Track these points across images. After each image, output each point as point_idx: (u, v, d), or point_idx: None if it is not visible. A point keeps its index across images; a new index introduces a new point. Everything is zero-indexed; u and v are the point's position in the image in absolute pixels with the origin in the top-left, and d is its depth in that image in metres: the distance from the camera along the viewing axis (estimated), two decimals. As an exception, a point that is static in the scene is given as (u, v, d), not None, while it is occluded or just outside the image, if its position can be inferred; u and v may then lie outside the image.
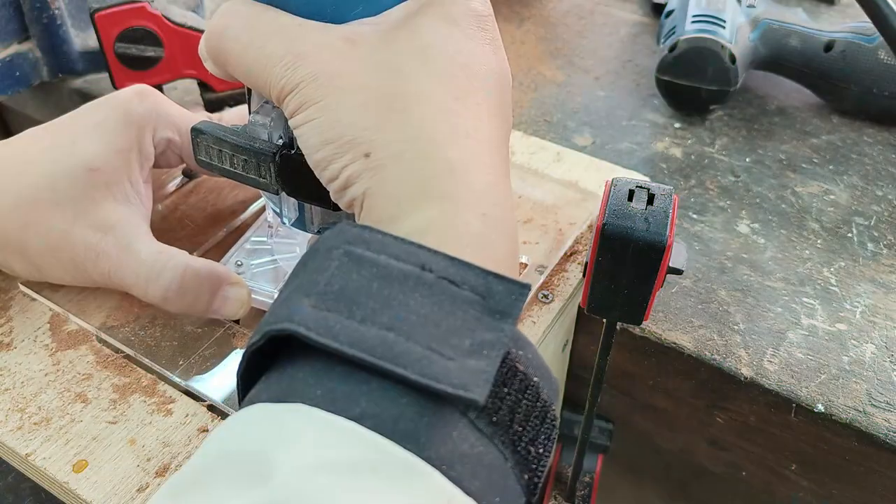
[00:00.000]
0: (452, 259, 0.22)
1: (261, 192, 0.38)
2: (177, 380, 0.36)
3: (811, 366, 0.41)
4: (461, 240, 0.23)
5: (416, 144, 0.25)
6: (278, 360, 0.22)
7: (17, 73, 0.53)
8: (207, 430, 0.34)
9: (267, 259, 0.43)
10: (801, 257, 0.47)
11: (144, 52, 0.50)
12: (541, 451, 0.22)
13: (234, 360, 0.38)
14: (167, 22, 0.50)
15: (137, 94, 0.39)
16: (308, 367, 0.21)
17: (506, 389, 0.21)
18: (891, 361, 0.41)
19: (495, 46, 0.29)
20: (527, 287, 0.22)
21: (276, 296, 0.39)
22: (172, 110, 0.40)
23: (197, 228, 0.45)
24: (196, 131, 0.31)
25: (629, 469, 0.53)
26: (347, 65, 0.26)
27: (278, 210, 0.34)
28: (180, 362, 0.37)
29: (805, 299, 0.44)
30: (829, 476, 0.42)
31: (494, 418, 0.21)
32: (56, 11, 0.52)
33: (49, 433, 0.34)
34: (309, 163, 0.27)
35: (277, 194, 0.31)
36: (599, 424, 0.48)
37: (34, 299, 0.40)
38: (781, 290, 0.45)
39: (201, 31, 0.51)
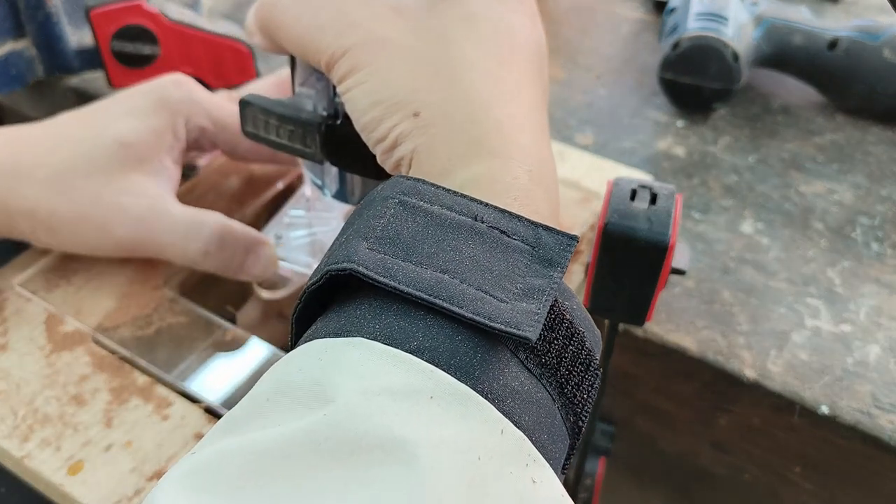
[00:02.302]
0: (503, 211, 0.23)
1: (301, 164, 0.38)
2: (173, 381, 0.36)
3: (815, 367, 0.40)
4: (509, 193, 0.24)
5: (464, 105, 0.26)
6: (335, 300, 0.23)
7: (13, 72, 0.52)
8: (203, 436, 0.34)
9: (305, 232, 0.43)
10: (806, 257, 0.47)
11: (141, 50, 0.50)
12: (585, 396, 0.22)
13: (231, 362, 0.38)
14: (164, 19, 0.49)
15: (174, 83, 0.40)
16: (366, 305, 0.21)
17: (553, 335, 0.22)
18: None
19: (534, 21, 0.30)
20: (575, 238, 0.23)
21: (314, 267, 0.39)
22: (207, 99, 0.41)
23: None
24: (244, 103, 0.32)
25: (631, 472, 0.52)
26: (396, 31, 0.27)
27: (320, 182, 0.34)
28: (177, 364, 0.37)
29: (809, 300, 0.44)
30: (833, 479, 0.41)
31: (543, 360, 0.22)
32: (51, 9, 0.51)
33: (44, 435, 0.34)
34: (356, 126, 0.28)
35: (321, 164, 0.32)
36: (601, 427, 0.48)
37: (30, 300, 0.40)
38: (785, 291, 0.45)
39: (198, 29, 0.51)
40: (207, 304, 0.41)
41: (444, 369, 0.19)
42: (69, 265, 0.42)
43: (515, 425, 0.20)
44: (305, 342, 0.22)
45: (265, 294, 0.42)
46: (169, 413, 0.35)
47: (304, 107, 0.31)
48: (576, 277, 0.42)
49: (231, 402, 0.35)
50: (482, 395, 0.19)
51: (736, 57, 0.55)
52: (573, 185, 0.48)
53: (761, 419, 0.41)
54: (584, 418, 0.22)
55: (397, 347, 0.20)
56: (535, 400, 0.21)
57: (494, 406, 0.19)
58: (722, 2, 0.57)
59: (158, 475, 0.32)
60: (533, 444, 0.20)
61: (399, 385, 0.19)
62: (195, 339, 0.38)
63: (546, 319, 0.22)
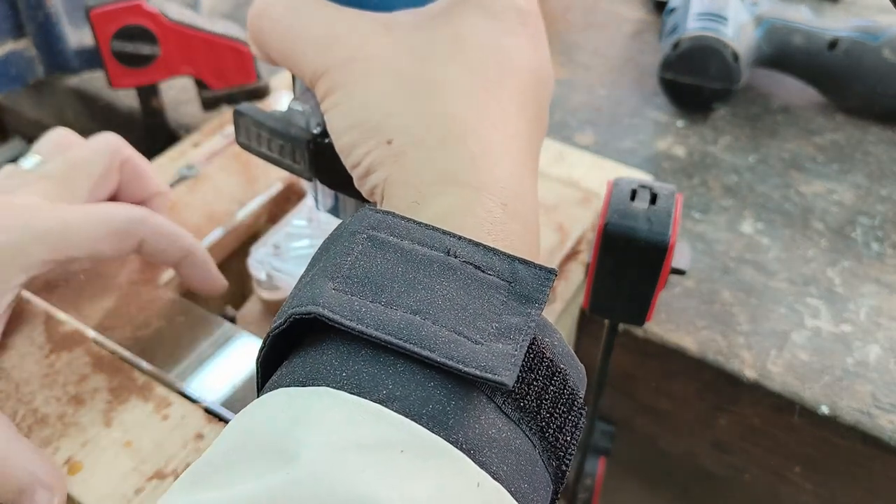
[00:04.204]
0: (477, 244, 0.22)
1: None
2: (173, 382, 0.36)
3: (815, 367, 0.40)
4: (482, 227, 0.23)
5: (439, 131, 0.25)
6: (301, 344, 0.22)
7: (13, 72, 0.52)
8: (202, 436, 0.34)
9: (306, 243, 0.42)
10: (805, 257, 0.47)
11: (141, 50, 0.50)
12: (568, 438, 0.21)
13: (230, 362, 0.38)
14: (164, 19, 0.49)
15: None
16: (333, 350, 0.20)
17: (533, 375, 0.21)
18: (896, 363, 0.41)
19: (536, 43, 0.28)
20: (553, 272, 0.22)
21: None
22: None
23: (193, 227, 0.45)
24: (238, 113, 0.32)
25: (631, 472, 0.52)
26: (380, 49, 0.26)
27: (314, 196, 0.34)
28: (176, 364, 0.37)
29: (809, 300, 0.44)
30: (833, 479, 0.41)
31: (522, 403, 0.21)
32: (51, 9, 0.51)
33: (44, 435, 0.34)
34: (336, 148, 0.27)
35: (311, 181, 0.31)
36: (601, 427, 0.48)
37: (29, 300, 0.40)
38: (785, 291, 0.45)
39: (198, 29, 0.51)
40: (207, 304, 0.41)
41: (415, 419, 0.18)
42: (69, 265, 0.42)
43: (493, 476, 0.19)
44: (270, 389, 0.21)
45: (265, 294, 0.42)
46: (168, 413, 0.35)
47: (296, 122, 0.31)
48: (576, 277, 0.42)
49: (230, 402, 0.35)
50: (456, 446, 0.18)
51: (736, 57, 0.55)
52: (573, 185, 0.48)
53: (761, 419, 0.41)
54: (567, 462, 0.21)
55: (365, 397, 0.19)
56: (515, 448, 0.20)
57: (470, 457, 0.19)
58: (722, 2, 0.57)
59: (158, 475, 0.32)
60: (513, 494, 0.19)
61: (367, 438, 0.18)
62: (195, 339, 0.38)
63: (524, 359, 0.21)
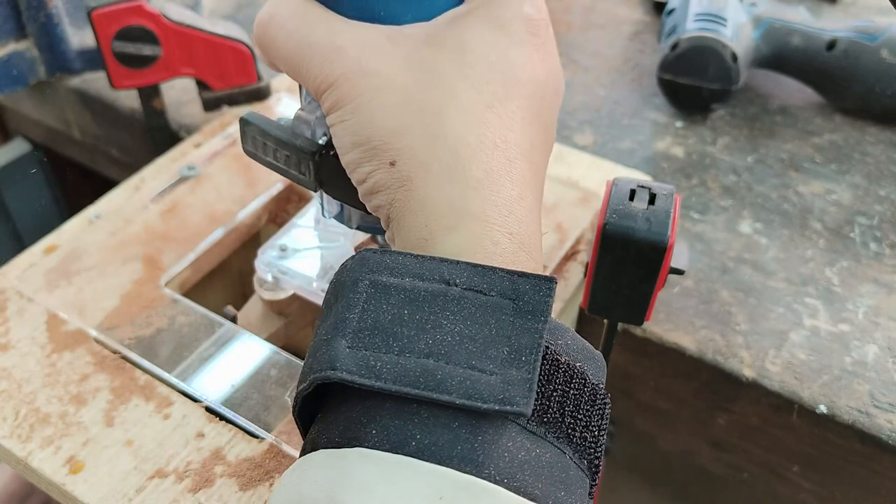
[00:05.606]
0: (475, 266, 0.23)
1: None
2: (174, 381, 0.36)
3: (814, 367, 0.40)
4: (492, 261, 0.24)
5: (443, 157, 0.25)
6: (332, 397, 0.23)
7: (14, 72, 0.53)
8: (203, 435, 0.34)
9: (312, 246, 0.42)
10: (804, 257, 0.47)
11: (142, 51, 0.50)
12: (595, 432, 0.22)
13: (231, 361, 0.38)
14: (165, 20, 0.50)
15: None
16: (360, 407, 0.21)
17: (552, 386, 0.22)
18: (894, 362, 0.41)
19: (545, 53, 0.28)
20: (553, 281, 0.22)
21: (314, 285, 0.40)
22: None
23: (195, 227, 0.45)
24: (244, 122, 0.32)
25: (630, 471, 0.52)
26: (385, 63, 0.26)
27: (321, 203, 0.34)
28: (177, 364, 0.37)
29: (807, 300, 0.44)
30: (831, 478, 0.42)
31: (545, 418, 0.21)
32: (53, 10, 0.51)
33: (46, 434, 0.34)
34: (342, 163, 0.27)
35: (316, 191, 0.31)
36: (600, 425, 0.48)
37: (31, 300, 0.40)
38: (784, 291, 0.45)
39: (199, 30, 0.51)
40: (208, 303, 0.42)
41: (447, 464, 0.19)
42: (71, 265, 0.42)
43: (530, 497, 0.20)
44: (310, 445, 0.22)
45: (266, 294, 0.43)
46: (170, 412, 0.35)
47: (302, 132, 0.31)
48: (575, 277, 0.42)
49: (231, 401, 0.36)
50: (490, 480, 0.19)
51: (734, 58, 0.55)
52: (573, 186, 0.48)
53: (760, 418, 0.41)
54: (598, 454, 0.22)
55: (399, 452, 0.20)
56: (545, 462, 0.21)
57: (504, 485, 0.19)
58: (721, 3, 0.57)
59: (159, 474, 0.33)
60: None
61: (408, 494, 0.19)
62: (196, 338, 0.38)
63: (540, 372, 0.21)
